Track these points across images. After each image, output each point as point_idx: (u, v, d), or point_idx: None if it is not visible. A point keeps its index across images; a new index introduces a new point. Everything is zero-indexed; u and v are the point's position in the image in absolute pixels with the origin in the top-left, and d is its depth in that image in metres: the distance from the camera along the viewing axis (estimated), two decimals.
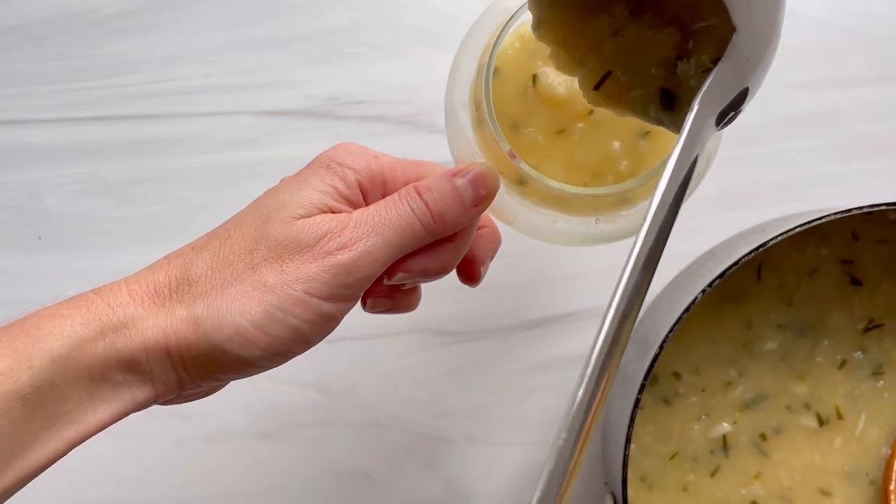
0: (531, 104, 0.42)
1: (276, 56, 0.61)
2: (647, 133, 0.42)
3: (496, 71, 0.42)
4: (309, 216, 0.37)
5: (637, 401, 0.47)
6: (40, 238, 0.61)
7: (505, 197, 0.42)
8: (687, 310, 0.46)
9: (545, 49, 0.40)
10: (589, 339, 0.60)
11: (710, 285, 0.46)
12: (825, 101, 0.61)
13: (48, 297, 0.61)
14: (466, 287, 0.45)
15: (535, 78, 0.42)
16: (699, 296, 0.46)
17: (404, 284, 0.41)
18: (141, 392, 0.36)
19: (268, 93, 0.61)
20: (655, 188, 0.35)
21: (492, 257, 0.44)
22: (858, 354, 0.56)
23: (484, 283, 0.58)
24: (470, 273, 0.43)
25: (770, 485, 0.56)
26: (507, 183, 0.41)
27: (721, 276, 0.46)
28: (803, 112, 0.61)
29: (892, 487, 0.54)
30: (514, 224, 0.44)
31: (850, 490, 0.55)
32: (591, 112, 0.42)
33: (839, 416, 0.56)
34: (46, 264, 0.61)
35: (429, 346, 0.60)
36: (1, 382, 0.33)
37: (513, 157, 0.40)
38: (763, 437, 0.56)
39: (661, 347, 0.47)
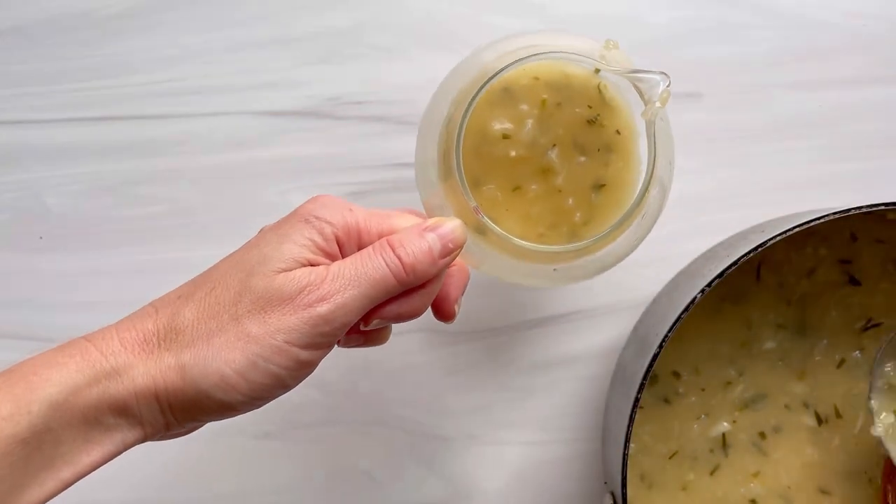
0: (488, 161, 0.45)
1: (276, 56, 0.61)
2: (600, 187, 0.45)
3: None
4: (290, 270, 0.40)
5: (636, 400, 0.47)
6: (41, 238, 0.61)
7: (470, 243, 0.45)
8: (686, 309, 0.46)
9: (502, 105, 0.44)
10: (589, 339, 0.60)
11: (709, 285, 0.46)
12: (825, 101, 0.61)
13: (49, 297, 0.61)
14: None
15: (489, 139, 0.45)
16: (698, 296, 0.46)
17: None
18: (131, 434, 0.39)
19: (268, 93, 0.61)
20: None
21: (463, 293, 0.47)
22: (857, 354, 0.56)
23: (484, 283, 0.59)
24: (444, 311, 0.46)
25: (769, 483, 0.56)
26: (471, 232, 0.44)
27: (720, 275, 0.46)
28: (803, 112, 0.61)
29: (890, 486, 0.54)
30: (480, 268, 0.47)
31: (849, 488, 0.55)
32: (544, 170, 0.45)
33: (838, 415, 0.56)
34: (47, 264, 0.61)
35: (429, 345, 0.61)
36: (1, 428, 0.36)
37: (478, 213, 0.43)
38: (762, 435, 0.56)
39: (661, 347, 0.47)
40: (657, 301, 0.55)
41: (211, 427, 0.60)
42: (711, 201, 0.60)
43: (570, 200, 0.45)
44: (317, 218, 0.41)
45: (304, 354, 0.39)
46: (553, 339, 0.60)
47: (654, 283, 0.57)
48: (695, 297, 0.46)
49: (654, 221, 0.47)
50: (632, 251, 0.47)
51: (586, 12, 0.60)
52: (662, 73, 0.42)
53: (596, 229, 0.45)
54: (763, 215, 0.56)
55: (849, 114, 0.61)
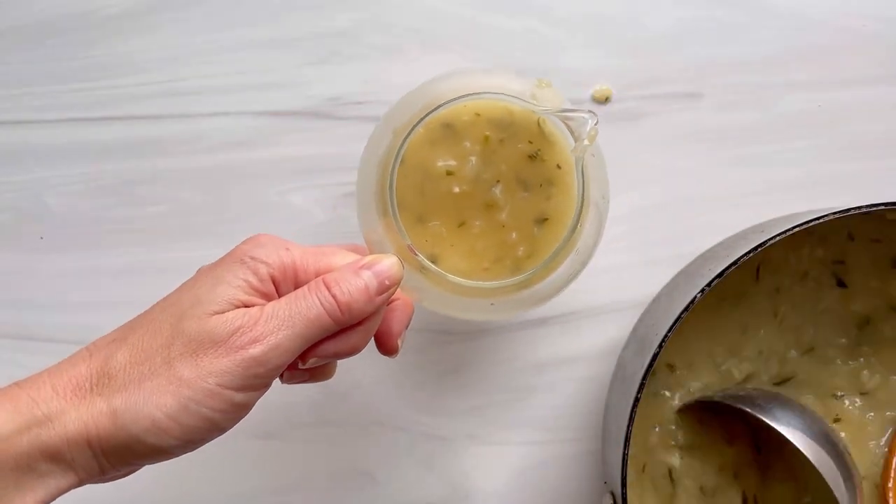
0: (432, 198, 0.46)
1: (276, 56, 0.61)
2: (543, 221, 0.46)
3: (402, 161, 0.45)
4: (223, 312, 0.40)
5: (636, 400, 0.47)
6: (42, 238, 0.61)
7: (410, 278, 0.45)
8: (686, 309, 0.46)
9: (445, 141, 0.46)
10: (589, 339, 0.60)
11: (708, 285, 0.46)
12: (825, 101, 0.61)
13: (49, 298, 0.61)
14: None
15: (433, 175, 0.46)
16: (698, 295, 0.46)
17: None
18: (65, 480, 0.39)
19: (268, 93, 0.61)
20: None
21: (407, 327, 0.46)
22: (853, 354, 0.56)
23: None
24: (387, 346, 0.46)
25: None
26: (409, 268, 0.45)
27: (720, 275, 0.46)
28: (803, 112, 0.61)
29: (890, 485, 0.54)
30: (421, 302, 0.47)
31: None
32: (488, 206, 0.46)
33: (836, 420, 0.56)
34: (48, 264, 0.61)
35: (429, 345, 0.60)
36: None
37: (413, 252, 0.45)
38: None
39: (661, 346, 0.47)
40: (657, 301, 0.55)
41: None
42: (711, 201, 0.60)
43: (514, 235, 0.46)
44: (252, 258, 0.41)
45: (238, 397, 0.39)
46: (553, 339, 0.60)
47: (654, 283, 0.57)
48: (694, 297, 0.46)
49: (591, 255, 0.48)
50: (569, 283, 0.48)
51: (586, 12, 0.60)
52: (590, 111, 0.43)
53: (539, 262, 0.46)
54: (763, 215, 0.56)
55: (849, 114, 0.61)
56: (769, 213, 0.56)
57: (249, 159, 0.61)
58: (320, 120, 0.61)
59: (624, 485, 0.47)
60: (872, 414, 0.56)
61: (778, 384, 0.56)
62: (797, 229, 0.46)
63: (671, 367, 0.55)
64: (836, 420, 0.56)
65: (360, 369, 0.61)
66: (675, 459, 0.54)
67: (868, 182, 0.61)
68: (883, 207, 0.47)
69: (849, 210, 0.46)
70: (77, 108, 0.61)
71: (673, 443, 0.55)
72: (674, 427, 0.55)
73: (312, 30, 0.61)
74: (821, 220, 0.46)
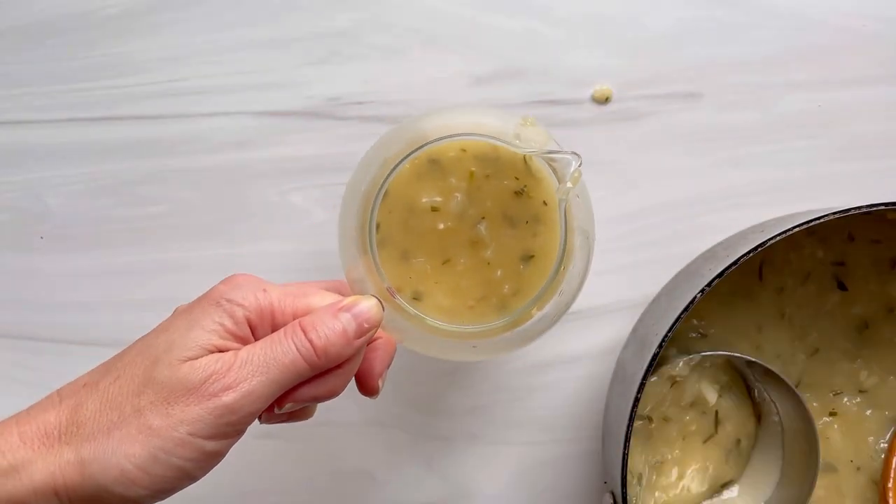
0: (417, 234, 0.45)
1: (276, 56, 0.61)
2: (529, 258, 0.46)
3: (387, 196, 0.45)
4: (196, 358, 0.39)
5: (636, 400, 0.47)
6: (42, 238, 0.61)
7: (392, 318, 0.45)
8: (686, 309, 0.46)
9: (430, 177, 0.45)
10: (589, 339, 0.60)
11: (709, 285, 0.46)
12: (825, 101, 0.61)
13: (49, 298, 0.61)
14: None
15: (417, 211, 0.45)
16: (698, 296, 0.46)
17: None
18: None
19: (268, 93, 0.61)
20: None
21: (388, 366, 0.46)
22: (854, 355, 0.56)
23: None
24: (367, 387, 0.45)
25: None
26: (390, 308, 0.44)
27: (720, 275, 0.46)
28: (803, 112, 0.61)
29: (890, 485, 0.54)
30: (403, 342, 0.47)
31: (832, 478, 0.56)
32: (473, 243, 0.46)
33: (832, 414, 0.56)
34: (48, 264, 0.61)
35: None
36: None
37: (392, 293, 0.44)
38: None
39: (661, 347, 0.47)
40: (657, 301, 0.55)
41: None
42: (711, 201, 0.60)
43: (500, 272, 0.46)
44: (228, 301, 0.40)
45: (210, 445, 0.38)
46: (553, 339, 0.60)
47: (654, 283, 0.57)
48: (694, 297, 0.46)
49: (575, 297, 0.47)
50: (552, 325, 0.47)
51: (586, 12, 0.60)
52: (574, 153, 0.43)
53: (524, 300, 0.45)
54: (763, 215, 0.56)
55: (849, 114, 0.61)
56: (769, 213, 0.56)
57: (249, 159, 0.61)
58: (320, 120, 0.61)
59: (624, 485, 0.47)
60: (871, 411, 0.56)
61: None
62: (797, 229, 0.46)
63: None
64: (832, 414, 0.56)
65: None
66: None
67: (868, 182, 0.61)
68: (883, 207, 0.47)
69: (849, 210, 0.46)
70: (77, 108, 0.61)
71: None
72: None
73: (312, 30, 0.61)
74: (821, 220, 0.46)
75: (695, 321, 0.55)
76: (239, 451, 0.60)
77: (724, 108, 0.61)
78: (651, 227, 0.60)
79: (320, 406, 0.61)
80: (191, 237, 0.61)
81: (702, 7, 0.61)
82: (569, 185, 0.43)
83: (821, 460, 0.52)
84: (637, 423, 0.53)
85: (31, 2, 0.61)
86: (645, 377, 0.46)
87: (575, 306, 0.60)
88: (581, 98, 0.61)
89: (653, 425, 0.54)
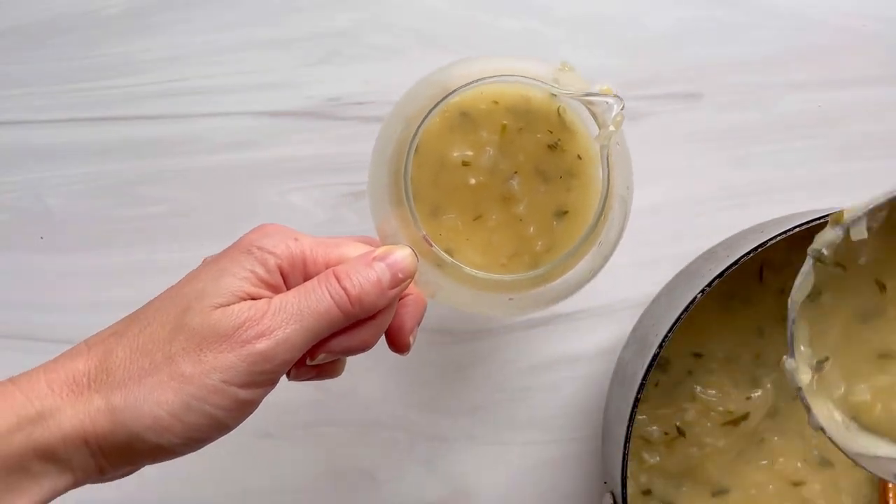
0: (448, 189, 0.44)
1: (276, 56, 0.61)
2: (563, 214, 0.44)
3: (417, 150, 0.43)
4: (228, 304, 0.38)
5: (636, 400, 0.47)
6: (42, 238, 0.61)
7: (425, 271, 0.43)
8: (686, 309, 0.46)
9: (461, 131, 0.43)
10: (589, 339, 0.60)
11: (709, 285, 0.46)
12: (825, 101, 0.61)
13: (49, 298, 0.61)
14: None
15: (448, 166, 0.44)
16: (698, 296, 0.46)
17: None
18: (61, 480, 0.37)
19: (268, 93, 0.61)
20: None
21: (419, 323, 0.45)
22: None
23: None
24: (398, 343, 0.44)
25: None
26: (423, 261, 0.43)
27: (720, 275, 0.46)
28: (803, 112, 0.61)
29: (890, 485, 0.54)
30: (436, 297, 0.45)
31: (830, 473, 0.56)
32: (505, 198, 0.44)
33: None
34: (48, 264, 0.61)
35: (429, 345, 0.60)
36: None
37: (428, 243, 0.42)
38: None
39: (661, 347, 0.47)
40: (657, 301, 0.55)
41: None
42: (711, 201, 0.60)
43: (532, 229, 0.44)
44: (259, 248, 0.39)
45: (244, 394, 0.37)
46: (553, 339, 0.60)
47: (654, 283, 0.57)
48: (694, 297, 0.46)
49: (614, 248, 0.46)
50: (591, 278, 0.46)
51: (587, 12, 0.60)
52: (616, 95, 0.41)
53: (558, 256, 0.44)
54: (763, 215, 0.56)
55: (849, 114, 0.61)
56: (769, 213, 0.56)
57: (249, 159, 0.61)
58: (320, 120, 0.61)
59: (624, 485, 0.47)
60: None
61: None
62: (797, 229, 0.46)
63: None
64: None
65: (361, 369, 0.60)
66: None
67: (868, 182, 0.61)
68: None
69: None
70: (77, 108, 0.61)
71: None
72: None
73: (312, 30, 0.61)
74: (821, 220, 0.46)
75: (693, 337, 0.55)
76: (239, 451, 0.60)
77: (724, 108, 0.61)
78: (651, 227, 0.60)
79: (319, 406, 0.61)
80: (191, 237, 0.61)
81: (702, 7, 0.61)
82: (611, 128, 0.41)
83: (816, 453, 0.52)
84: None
85: (31, 2, 0.61)
86: (645, 377, 0.46)
87: (575, 306, 0.60)
88: None
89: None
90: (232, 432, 0.60)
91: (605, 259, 0.46)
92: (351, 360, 0.60)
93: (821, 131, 0.61)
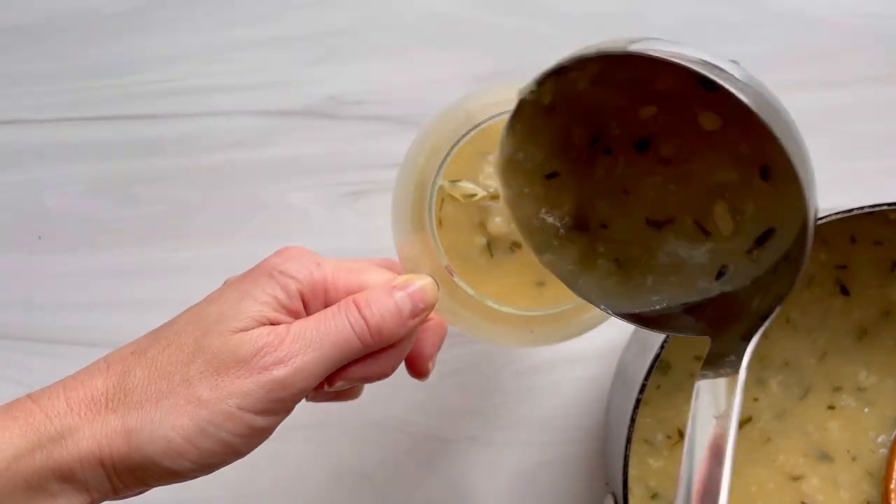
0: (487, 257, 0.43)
1: (276, 56, 0.61)
2: None
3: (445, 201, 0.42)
4: (247, 329, 0.37)
5: (637, 401, 0.46)
6: (40, 238, 0.61)
7: (445, 299, 0.43)
8: None
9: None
10: (589, 340, 0.60)
11: None
12: (825, 101, 0.61)
13: (48, 298, 0.61)
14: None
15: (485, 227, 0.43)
16: None
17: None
18: (76, 500, 0.37)
19: (268, 93, 0.61)
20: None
21: (439, 349, 0.44)
22: (855, 356, 0.56)
23: None
24: (418, 369, 0.44)
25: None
26: (445, 290, 0.42)
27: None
28: (803, 112, 0.61)
29: (892, 486, 0.54)
30: (456, 325, 0.45)
31: (829, 468, 0.56)
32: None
33: (829, 407, 0.56)
34: (46, 264, 0.61)
35: None
36: None
37: (450, 272, 0.42)
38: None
39: (662, 347, 0.47)
40: None
41: None
42: None
43: None
44: (281, 273, 0.39)
45: (259, 421, 0.37)
46: None
47: None
48: None
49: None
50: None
51: (587, 11, 0.60)
52: None
53: None
54: None
55: (849, 114, 0.61)
56: None
57: (249, 159, 0.61)
58: (320, 119, 0.61)
59: (625, 486, 0.47)
60: (869, 408, 0.56)
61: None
62: None
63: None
64: (831, 407, 0.56)
65: None
66: None
67: (868, 182, 0.61)
68: (886, 207, 0.46)
69: (851, 210, 0.46)
70: (76, 107, 0.61)
71: None
72: None
73: (312, 29, 0.61)
74: (822, 221, 0.46)
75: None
76: None
77: None
78: None
79: (319, 408, 0.61)
80: (191, 237, 0.61)
81: (702, 6, 0.61)
82: None
83: (817, 448, 0.51)
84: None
85: (30, 1, 0.61)
86: (647, 378, 0.46)
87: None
88: None
89: None
90: None
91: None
92: None
93: (821, 131, 0.61)
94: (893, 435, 0.56)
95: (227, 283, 0.41)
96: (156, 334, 0.39)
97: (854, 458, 0.55)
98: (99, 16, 0.61)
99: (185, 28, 0.61)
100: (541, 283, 0.44)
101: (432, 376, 0.60)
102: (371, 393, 0.61)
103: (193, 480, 0.61)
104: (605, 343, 0.60)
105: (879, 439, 0.56)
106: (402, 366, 0.61)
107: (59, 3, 0.61)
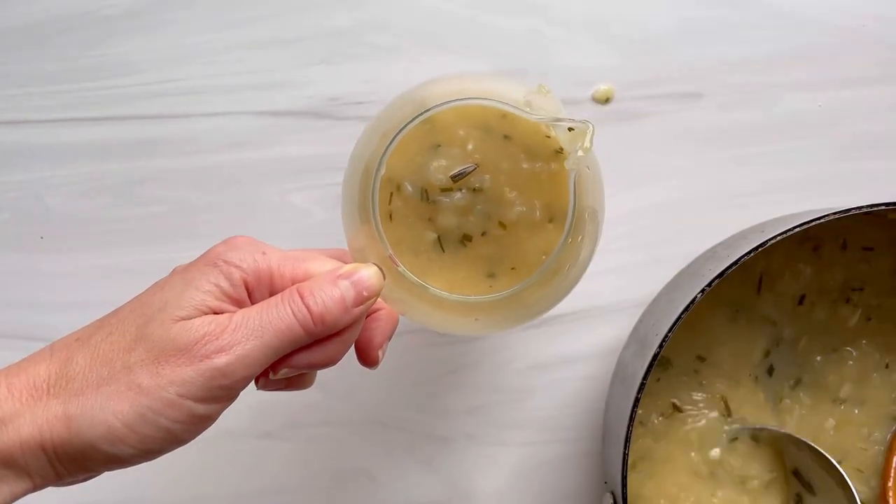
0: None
1: (276, 56, 0.61)
2: (536, 233, 0.44)
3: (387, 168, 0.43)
4: (189, 318, 0.38)
5: (637, 400, 0.47)
6: (42, 238, 0.61)
7: (393, 289, 0.43)
8: (686, 309, 0.46)
9: (437, 145, 0.43)
10: (589, 339, 0.60)
11: (709, 285, 0.46)
12: (825, 101, 0.61)
13: (49, 297, 0.61)
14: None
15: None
16: (698, 296, 0.46)
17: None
18: (18, 485, 0.37)
19: (268, 93, 0.61)
20: None
21: (389, 338, 0.44)
22: (849, 354, 0.56)
23: None
24: (366, 358, 0.44)
25: None
26: (392, 279, 0.43)
27: (720, 275, 0.46)
28: (803, 112, 0.61)
29: (890, 485, 0.54)
30: (405, 313, 0.45)
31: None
32: (477, 218, 0.44)
33: (838, 401, 0.56)
34: (48, 264, 0.61)
35: (429, 345, 0.60)
36: None
37: (394, 262, 0.42)
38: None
39: (661, 347, 0.47)
40: (657, 301, 0.55)
41: (211, 427, 0.60)
42: (711, 201, 0.60)
43: (503, 249, 0.44)
44: (225, 262, 0.39)
45: (200, 408, 0.37)
46: (553, 339, 0.60)
47: (654, 283, 0.57)
48: (695, 297, 0.46)
49: (584, 270, 0.46)
50: (558, 301, 0.46)
51: (587, 12, 0.60)
52: (585, 121, 0.41)
53: (528, 277, 0.43)
54: (763, 215, 0.56)
55: (849, 114, 0.61)
56: (769, 213, 0.56)
57: (249, 159, 0.61)
58: (320, 120, 0.61)
59: (624, 485, 0.47)
60: (859, 409, 0.56)
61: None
62: (797, 229, 0.46)
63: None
64: (838, 401, 0.56)
65: (360, 369, 0.60)
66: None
67: (868, 182, 0.61)
68: (884, 207, 0.47)
69: (849, 210, 0.46)
70: (77, 108, 0.61)
71: None
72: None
73: (312, 30, 0.61)
74: (821, 220, 0.46)
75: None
76: (238, 451, 0.60)
77: (724, 108, 0.61)
78: (651, 227, 0.60)
79: (319, 406, 0.61)
80: (191, 237, 0.61)
81: (702, 7, 0.61)
82: (580, 153, 0.41)
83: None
84: None
85: (30, 2, 0.61)
86: (645, 377, 0.46)
87: (575, 306, 0.60)
88: (581, 98, 0.61)
89: None
90: (232, 433, 0.60)
91: (575, 280, 0.46)
92: (351, 360, 0.60)
93: (821, 131, 0.61)
94: (888, 435, 0.55)
95: (175, 272, 0.41)
96: (101, 322, 0.40)
97: (842, 460, 0.55)
98: (99, 17, 0.61)
99: (186, 29, 0.61)
100: (491, 275, 0.44)
101: (433, 375, 0.61)
102: (371, 392, 0.61)
103: (193, 479, 0.61)
104: (605, 342, 0.60)
105: (874, 435, 0.56)
106: (402, 366, 0.61)
107: (59, 4, 0.61)
